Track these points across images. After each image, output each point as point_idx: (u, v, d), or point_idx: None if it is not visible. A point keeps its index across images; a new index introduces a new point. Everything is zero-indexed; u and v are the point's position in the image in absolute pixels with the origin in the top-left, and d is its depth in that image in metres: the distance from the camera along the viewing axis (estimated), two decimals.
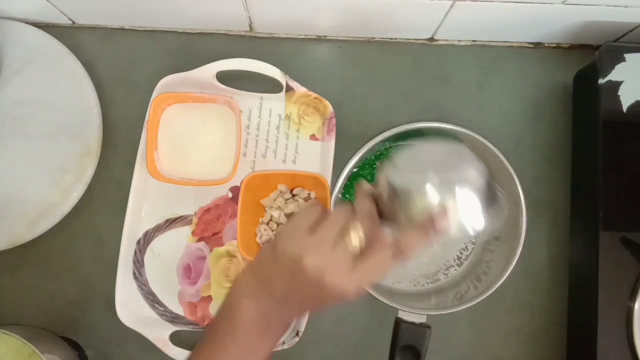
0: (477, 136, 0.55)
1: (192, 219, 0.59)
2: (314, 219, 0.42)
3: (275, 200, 0.58)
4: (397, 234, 0.40)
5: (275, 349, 0.55)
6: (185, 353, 0.56)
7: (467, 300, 0.54)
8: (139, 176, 0.58)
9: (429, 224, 0.38)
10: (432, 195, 0.37)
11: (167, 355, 0.56)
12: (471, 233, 0.38)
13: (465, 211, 0.37)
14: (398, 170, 0.40)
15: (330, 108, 0.58)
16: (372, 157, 0.59)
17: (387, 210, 0.41)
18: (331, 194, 0.55)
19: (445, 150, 0.42)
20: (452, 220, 0.37)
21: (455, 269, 0.59)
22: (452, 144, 0.43)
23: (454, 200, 0.37)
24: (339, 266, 0.39)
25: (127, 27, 0.63)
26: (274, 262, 0.41)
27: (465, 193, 0.37)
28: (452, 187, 0.37)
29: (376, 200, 0.42)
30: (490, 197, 0.38)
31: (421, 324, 0.52)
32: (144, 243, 0.59)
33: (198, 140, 0.59)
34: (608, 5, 0.53)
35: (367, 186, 0.43)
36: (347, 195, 0.59)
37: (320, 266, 0.39)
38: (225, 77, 0.59)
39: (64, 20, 0.62)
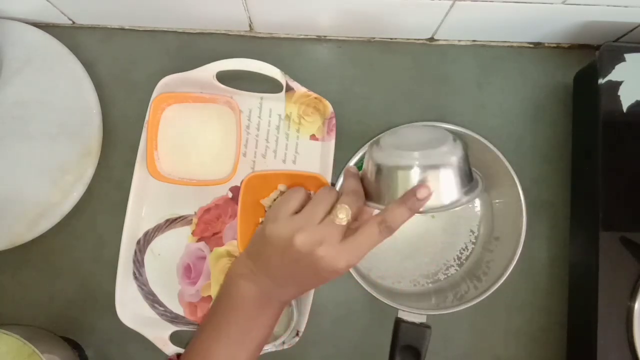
0: (477, 136, 0.55)
1: (192, 219, 0.59)
2: (299, 201, 0.45)
3: (275, 200, 0.58)
4: (383, 210, 0.42)
5: (275, 349, 0.55)
6: None
7: (467, 300, 0.54)
8: (139, 176, 0.58)
9: (410, 195, 0.41)
10: (414, 172, 0.41)
11: (167, 355, 0.56)
12: (446, 203, 0.42)
13: (442, 185, 0.41)
14: (383, 151, 0.43)
15: (330, 108, 0.58)
16: None
17: (373, 191, 0.44)
18: None
19: (427, 133, 0.46)
20: (431, 192, 0.41)
21: (455, 269, 0.59)
22: (433, 128, 0.49)
23: (434, 176, 0.41)
24: (328, 239, 0.41)
25: (127, 27, 0.63)
26: (265, 245, 0.43)
27: (443, 170, 0.41)
28: (432, 165, 0.41)
29: (362, 181, 0.45)
30: (466, 174, 0.43)
31: (421, 324, 0.52)
32: (144, 243, 0.59)
33: (198, 140, 0.59)
34: (608, 5, 0.53)
35: (353, 168, 0.47)
36: None
37: (311, 241, 0.41)
38: (225, 77, 0.59)
39: (64, 20, 0.62)
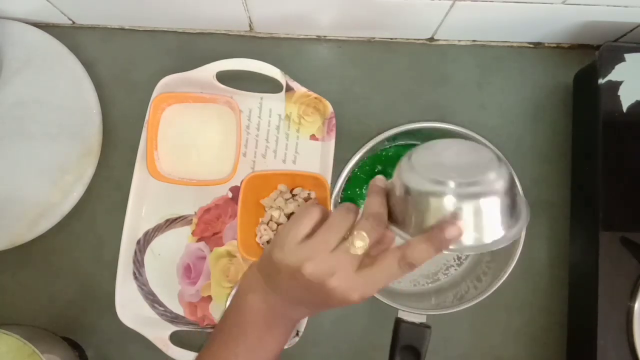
0: (477, 136, 0.55)
1: (192, 219, 0.59)
2: (310, 224, 0.40)
3: (275, 200, 0.58)
4: (406, 238, 0.38)
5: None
6: (186, 353, 0.56)
7: (467, 300, 0.54)
8: (139, 176, 0.58)
9: (438, 233, 0.35)
10: (447, 202, 0.35)
11: (167, 355, 0.56)
12: (488, 242, 0.36)
13: (482, 221, 0.35)
14: (415, 172, 0.37)
15: (330, 108, 0.58)
16: (372, 157, 0.59)
17: (398, 213, 0.39)
18: (331, 194, 0.55)
19: (467, 152, 0.39)
20: (466, 230, 0.35)
21: (455, 269, 0.59)
22: (475, 145, 0.40)
23: (471, 210, 0.35)
24: (341, 270, 0.37)
25: (127, 27, 0.63)
26: (273, 268, 0.40)
27: (485, 202, 0.35)
28: (471, 195, 0.35)
29: (388, 198, 0.40)
30: (511, 205, 0.36)
31: (421, 324, 0.52)
32: (144, 243, 0.59)
33: (198, 140, 0.59)
34: (608, 5, 0.53)
35: (381, 182, 0.41)
36: (348, 191, 0.59)
37: (321, 272, 0.37)
38: (225, 77, 0.59)
39: (64, 20, 0.62)
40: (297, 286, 0.39)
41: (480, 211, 0.35)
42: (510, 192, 0.36)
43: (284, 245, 0.39)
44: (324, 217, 0.40)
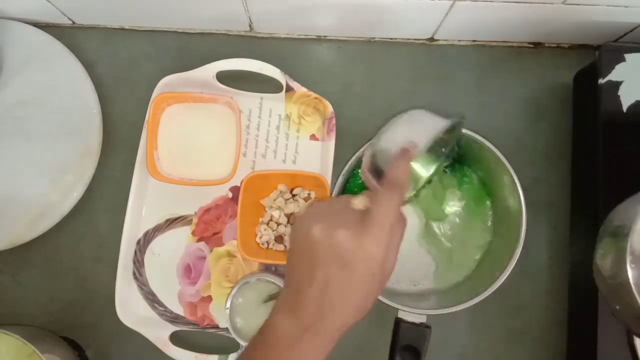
0: (477, 136, 0.55)
1: (192, 219, 0.59)
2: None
3: (275, 200, 0.58)
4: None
5: None
6: (186, 353, 0.56)
7: (467, 300, 0.54)
8: (139, 176, 0.58)
9: (403, 153, 0.41)
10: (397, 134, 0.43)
11: (167, 355, 0.56)
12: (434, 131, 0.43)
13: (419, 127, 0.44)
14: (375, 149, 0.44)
15: (330, 108, 0.58)
16: None
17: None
18: (331, 194, 0.55)
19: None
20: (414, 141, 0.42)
21: None
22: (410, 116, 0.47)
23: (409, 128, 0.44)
24: (347, 221, 0.38)
25: (127, 27, 0.63)
26: (291, 255, 0.41)
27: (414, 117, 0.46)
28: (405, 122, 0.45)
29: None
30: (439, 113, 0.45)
31: (421, 324, 0.52)
32: (144, 243, 0.59)
33: (198, 140, 0.59)
34: (608, 5, 0.53)
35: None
36: (348, 191, 0.59)
37: (329, 227, 0.38)
38: (225, 77, 0.59)
39: (64, 20, 0.62)
40: (313, 259, 0.38)
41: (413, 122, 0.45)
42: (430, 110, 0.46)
43: (299, 220, 0.41)
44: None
